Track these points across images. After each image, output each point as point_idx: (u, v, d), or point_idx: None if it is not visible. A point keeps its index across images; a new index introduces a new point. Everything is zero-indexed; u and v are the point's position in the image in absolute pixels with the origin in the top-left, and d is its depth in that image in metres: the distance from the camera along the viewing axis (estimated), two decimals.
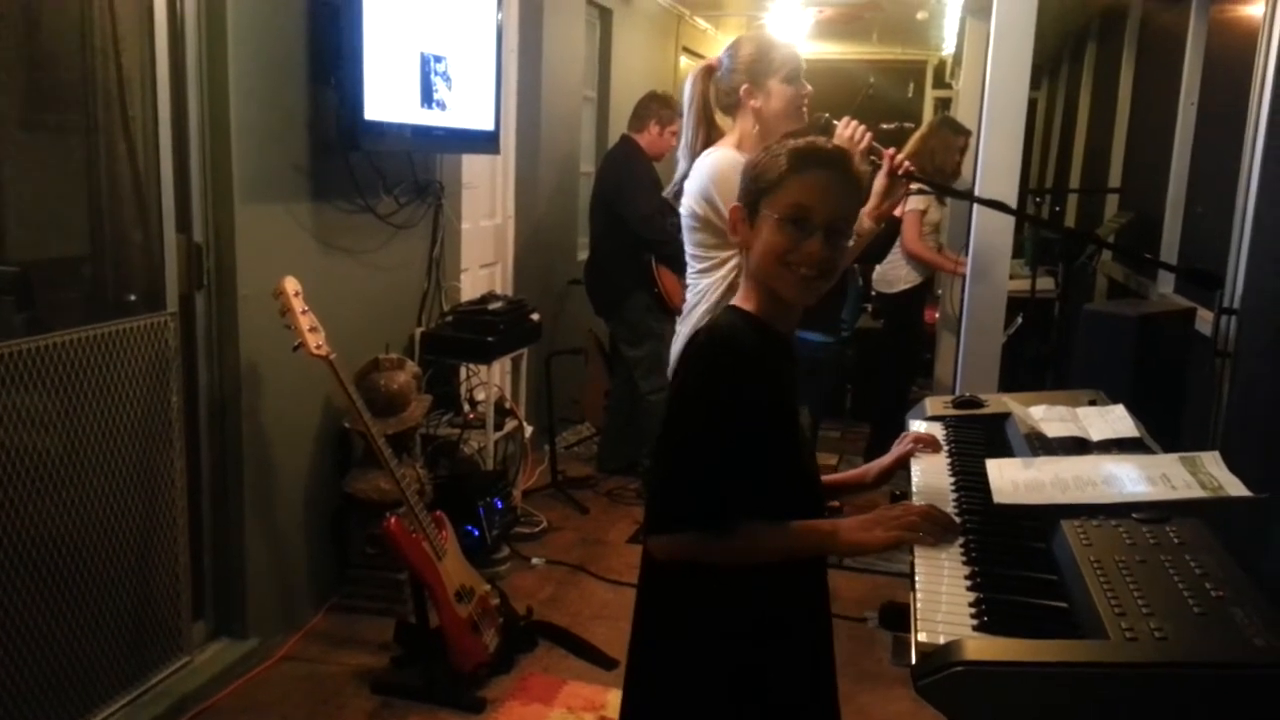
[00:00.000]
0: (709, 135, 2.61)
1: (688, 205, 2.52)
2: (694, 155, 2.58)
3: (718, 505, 1.38)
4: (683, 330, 2.57)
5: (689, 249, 2.55)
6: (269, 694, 2.85)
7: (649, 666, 1.53)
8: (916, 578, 1.35)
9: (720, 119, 2.63)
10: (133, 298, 2.71)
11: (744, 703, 1.45)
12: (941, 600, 1.29)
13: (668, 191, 2.69)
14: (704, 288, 2.50)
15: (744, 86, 2.51)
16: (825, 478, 1.70)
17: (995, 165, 3.19)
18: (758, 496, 1.41)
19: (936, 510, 1.48)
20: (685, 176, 2.56)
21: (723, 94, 2.57)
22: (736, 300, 1.54)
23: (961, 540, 1.44)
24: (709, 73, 2.60)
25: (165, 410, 2.69)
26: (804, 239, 1.43)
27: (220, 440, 2.95)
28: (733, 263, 2.47)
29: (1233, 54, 3.50)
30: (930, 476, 1.71)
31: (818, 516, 1.53)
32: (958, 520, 1.49)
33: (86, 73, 2.58)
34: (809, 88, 2.55)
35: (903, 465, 1.79)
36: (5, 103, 2.46)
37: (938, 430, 1.94)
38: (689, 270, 2.56)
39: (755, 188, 1.49)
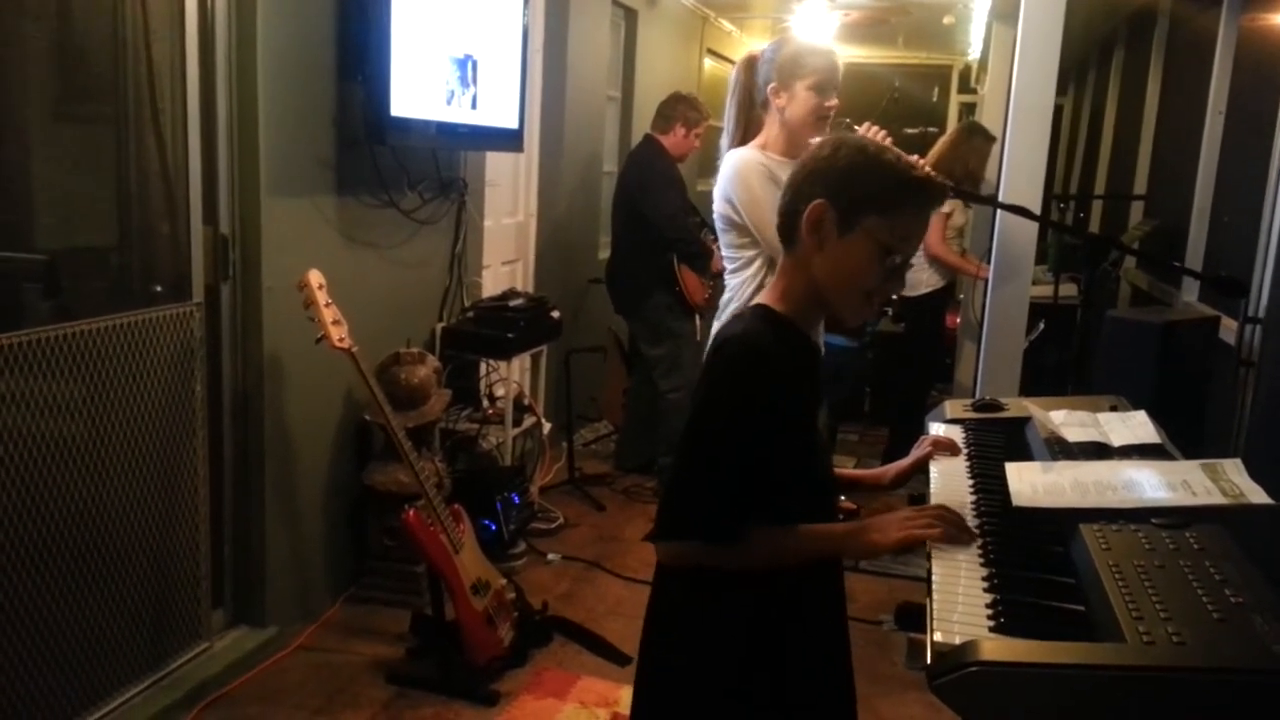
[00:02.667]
0: (747, 127, 2.63)
1: (715, 206, 2.56)
2: (731, 146, 2.62)
3: (727, 517, 1.36)
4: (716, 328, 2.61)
5: (724, 249, 2.59)
6: (286, 682, 2.88)
7: (660, 663, 1.53)
8: (933, 578, 1.35)
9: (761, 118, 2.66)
10: (159, 288, 2.73)
11: (757, 702, 1.45)
12: (958, 601, 1.28)
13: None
14: (735, 285, 2.54)
15: (772, 85, 2.52)
16: (841, 471, 1.69)
17: (1020, 170, 3.18)
18: (771, 501, 1.39)
19: (952, 513, 1.47)
20: None
21: (756, 88, 2.59)
22: (768, 298, 1.47)
23: (980, 542, 1.44)
24: (752, 63, 2.60)
25: (189, 400, 2.71)
26: (893, 275, 1.39)
27: (242, 430, 2.97)
28: (759, 261, 2.49)
29: (1262, 62, 3.47)
30: (949, 479, 1.70)
31: (829, 517, 1.52)
32: (975, 522, 1.49)
33: (117, 65, 2.61)
34: (835, 100, 2.54)
35: (921, 468, 1.78)
36: (36, 94, 2.49)
37: (957, 433, 1.94)
38: (726, 271, 2.60)
39: (862, 195, 1.37)
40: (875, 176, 1.37)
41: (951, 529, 1.42)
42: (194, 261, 2.73)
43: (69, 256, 2.61)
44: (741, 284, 2.52)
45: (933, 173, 1.46)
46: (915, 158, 2.42)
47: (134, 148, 2.68)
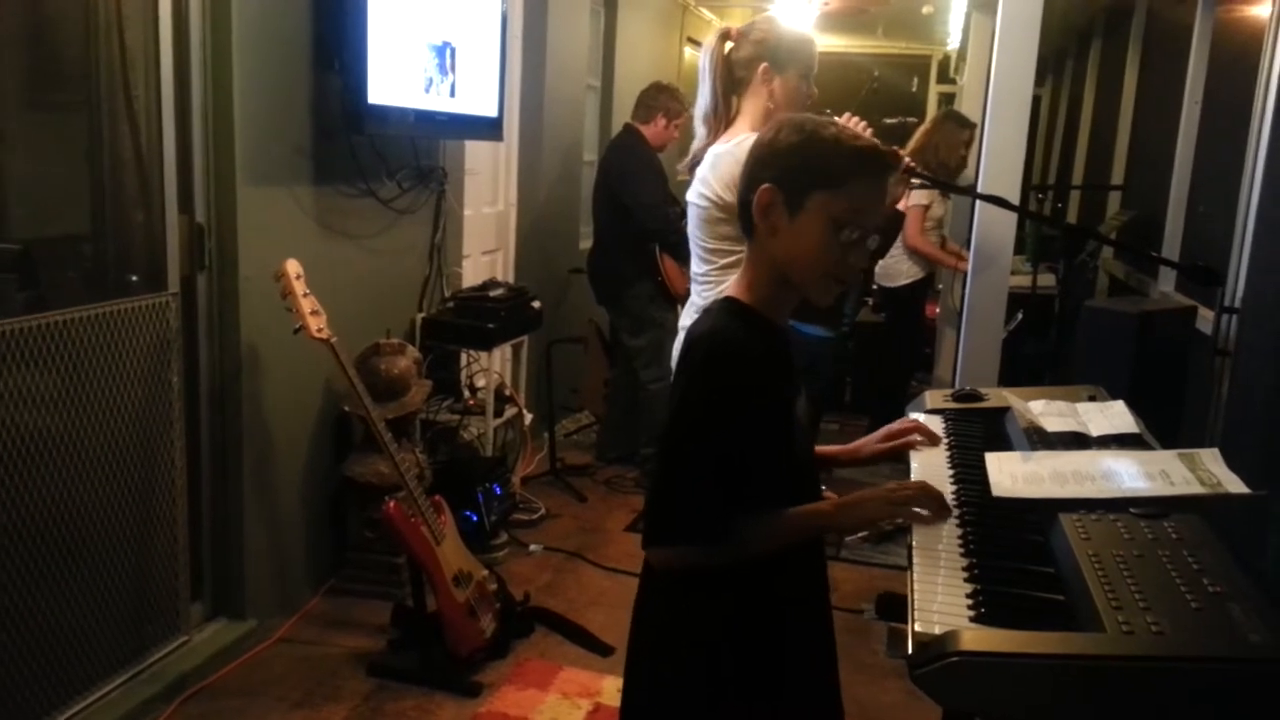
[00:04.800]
0: (729, 104, 2.49)
1: (711, 193, 2.36)
2: (713, 123, 2.47)
3: (716, 518, 1.36)
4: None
5: (706, 242, 2.40)
6: (266, 674, 2.86)
7: (649, 660, 1.53)
8: (914, 569, 1.35)
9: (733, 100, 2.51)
10: (134, 278, 2.71)
11: (745, 695, 1.45)
12: (939, 591, 1.29)
13: (684, 163, 2.58)
14: (727, 287, 2.37)
15: (764, 66, 2.42)
16: (818, 450, 1.69)
17: (998, 161, 3.18)
18: (755, 494, 1.40)
19: (930, 487, 1.48)
20: (705, 145, 2.45)
21: (737, 65, 2.46)
22: (735, 290, 1.47)
23: (959, 532, 1.45)
24: (725, 39, 2.49)
25: (166, 391, 2.69)
26: (853, 249, 1.38)
27: (220, 421, 2.95)
28: None
29: (1238, 52, 3.49)
30: (929, 470, 1.71)
31: (814, 500, 1.52)
32: (956, 513, 1.50)
33: (90, 52, 2.57)
34: (816, 92, 2.51)
35: (900, 458, 1.79)
36: (9, 81, 2.46)
37: (936, 423, 1.95)
38: (704, 266, 2.43)
39: (805, 173, 1.37)
40: (815, 152, 1.37)
41: (931, 505, 1.46)
42: (170, 251, 2.70)
43: (43, 246, 2.58)
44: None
45: (881, 143, 1.46)
46: (894, 148, 2.42)
47: (108, 136, 2.64)
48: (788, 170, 1.38)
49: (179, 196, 2.72)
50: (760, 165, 1.42)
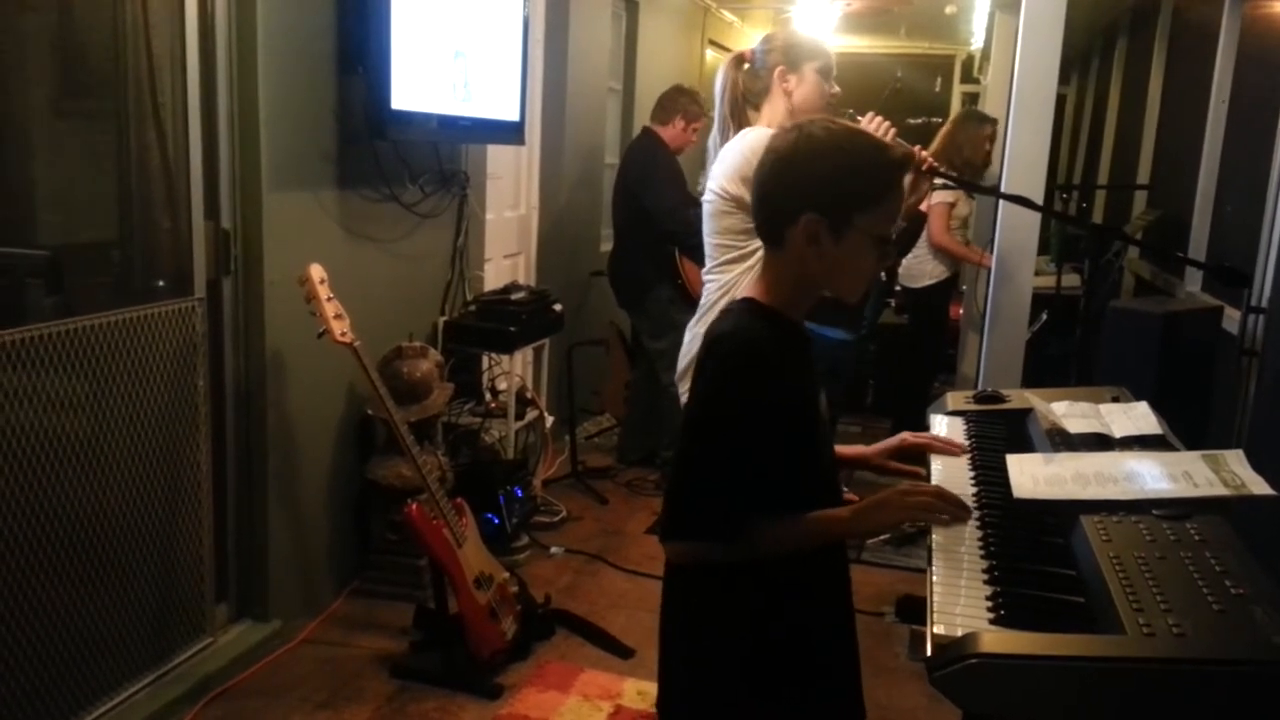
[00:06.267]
0: (742, 126, 2.55)
1: (717, 186, 2.41)
2: (720, 147, 2.53)
3: (731, 515, 1.37)
4: (699, 330, 2.46)
5: (715, 238, 2.45)
6: (289, 676, 2.89)
7: (676, 656, 1.54)
8: (934, 571, 1.35)
9: (750, 115, 2.59)
10: (160, 283, 2.73)
11: (768, 691, 1.45)
12: (959, 593, 1.29)
13: (700, 191, 2.64)
14: (728, 282, 2.40)
15: (779, 68, 2.48)
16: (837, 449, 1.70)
17: (1023, 160, 3.17)
18: (777, 494, 1.40)
19: (946, 491, 1.48)
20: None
21: (755, 80, 2.53)
22: (754, 291, 1.47)
23: (980, 534, 1.44)
24: (740, 62, 2.57)
25: (192, 395, 2.72)
26: (888, 253, 1.42)
27: (245, 425, 2.97)
28: (760, 254, 2.43)
29: (1265, 51, 3.45)
30: (950, 471, 1.70)
31: (835, 498, 1.52)
32: (976, 515, 1.49)
33: (117, 60, 2.60)
34: (838, 89, 2.53)
35: (920, 459, 1.78)
36: (37, 89, 2.49)
37: (958, 425, 1.94)
38: (708, 264, 2.48)
39: (847, 197, 1.37)
40: (858, 175, 1.38)
41: (949, 509, 1.45)
42: (196, 256, 2.73)
43: (71, 252, 2.61)
44: (735, 279, 2.38)
45: (904, 147, 1.47)
46: (917, 147, 2.42)
47: (135, 142, 2.67)
48: (831, 198, 1.37)
49: (205, 202, 2.75)
50: (793, 186, 1.40)
